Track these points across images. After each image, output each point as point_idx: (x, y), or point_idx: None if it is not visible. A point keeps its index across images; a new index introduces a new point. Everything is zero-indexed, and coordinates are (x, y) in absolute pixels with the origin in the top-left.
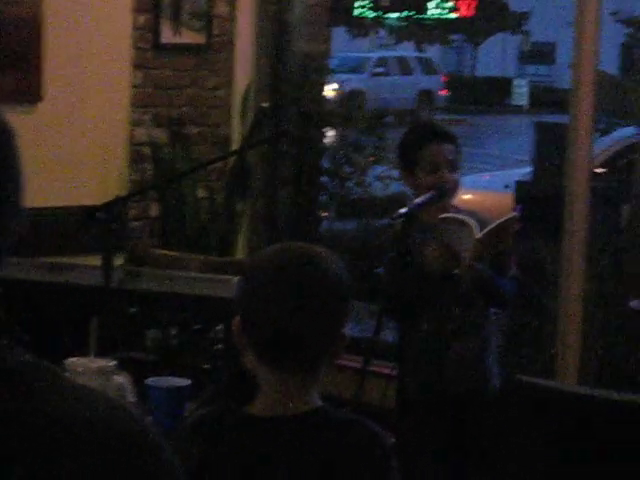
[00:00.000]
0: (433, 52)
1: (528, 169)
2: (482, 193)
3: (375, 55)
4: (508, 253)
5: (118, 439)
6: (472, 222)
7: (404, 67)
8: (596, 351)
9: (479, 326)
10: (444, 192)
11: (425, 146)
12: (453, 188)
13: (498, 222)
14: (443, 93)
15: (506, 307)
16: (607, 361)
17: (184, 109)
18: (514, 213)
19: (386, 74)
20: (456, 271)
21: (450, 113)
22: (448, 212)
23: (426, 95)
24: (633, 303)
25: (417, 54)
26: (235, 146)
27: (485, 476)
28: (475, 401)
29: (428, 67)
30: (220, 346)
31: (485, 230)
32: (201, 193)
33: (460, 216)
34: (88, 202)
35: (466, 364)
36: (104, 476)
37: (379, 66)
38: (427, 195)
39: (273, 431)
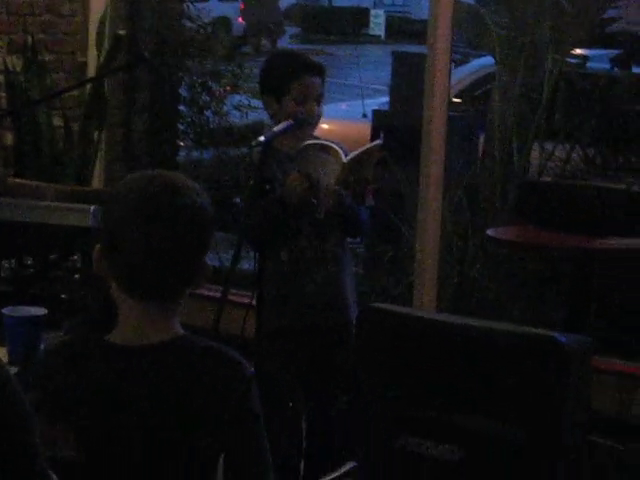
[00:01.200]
0: None
1: (386, 98)
2: (340, 122)
3: None
4: (366, 181)
5: None
6: (335, 146)
7: None
8: (453, 279)
9: (337, 256)
10: (302, 122)
11: (297, 77)
12: (316, 120)
13: (363, 148)
14: (240, 21)
15: (361, 235)
16: (464, 289)
17: (39, 36)
18: (379, 141)
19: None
20: (313, 200)
21: (306, 42)
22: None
23: (223, 22)
24: (489, 231)
25: None
26: (91, 74)
27: (344, 404)
28: (334, 331)
29: None
30: (77, 276)
31: (350, 155)
32: (57, 122)
33: (324, 141)
34: None
35: (324, 294)
36: None
37: None
38: (285, 124)
39: (133, 359)
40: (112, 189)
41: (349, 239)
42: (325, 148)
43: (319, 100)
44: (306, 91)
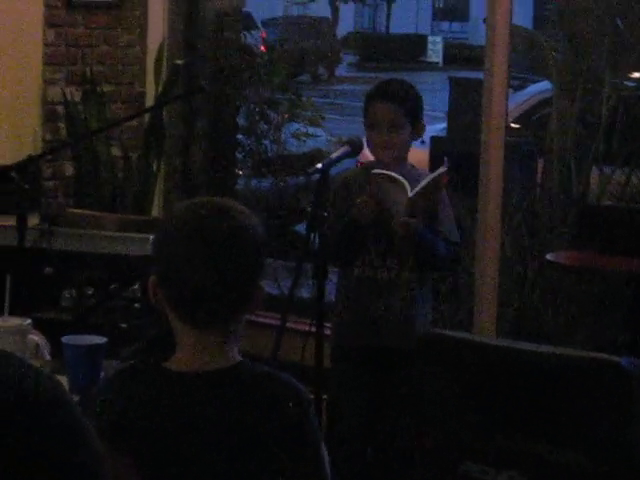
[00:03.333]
0: (347, 9)
1: (443, 125)
2: None
3: None
4: (436, 204)
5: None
6: (403, 180)
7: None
8: (513, 305)
9: (411, 281)
10: (358, 148)
11: (370, 103)
12: (391, 148)
13: (429, 178)
14: (263, 50)
15: (438, 267)
16: (524, 314)
17: (97, 67)
18: (444, 168)
19: None
20: (393, 226)
21: (364, 70)
22: (401, 168)
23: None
24: (549, 255)
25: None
26: (149, 104)
27: (405, 429)
28: (399, 357)
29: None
30: (137, 305)
31: (417, 187)
32: (115, 152)
33: (391, 173)
34: (1, 162)
35: (394, 317)
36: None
37: None
38: (341, 150)
39: (191, 386)
40: (165, 216)
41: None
42: (393, 180)
43: (393, 126)
44: (374, 117)
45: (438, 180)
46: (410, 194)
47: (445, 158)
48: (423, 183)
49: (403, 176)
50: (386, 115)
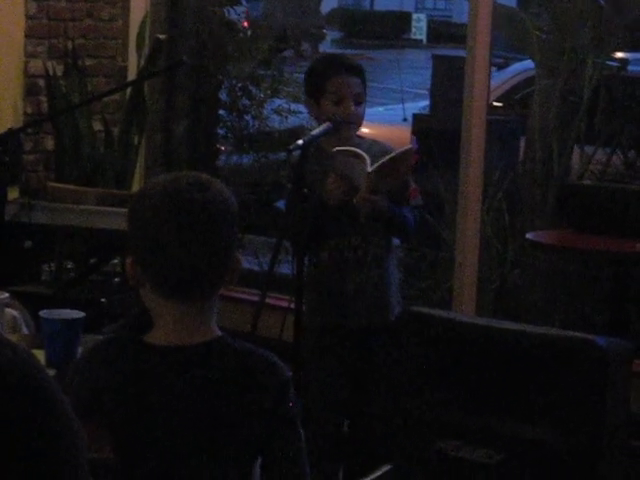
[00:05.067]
0: None
1: (426, 102)
2: (380, 126)
3: None
4: (407, 184)
5: None
6: (364, 155)
7: None
8: (492, 283)
9: (379, 257)
10: (340, 124)
11: (331, 77)
12: (356, 121)
13: (391, 155)
14: (245, 25)
15: (408, 236)
16: (503, 293)
17: (80, 41)
18: (409, 146)
19: None
20: (354, 201)
21: (348, 47)
22: (352, 143)
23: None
24: (529, 234)
25: None
26: (132, 79)
27: (381, 408)
28: (375, 334)
29: None
30: (117, 279)
31: (377, 163)
32: (97, 126)
33: (354, 149)
34: None
35: (366, 296)
36: None
37: None
38: (323, 127)
39: (171, 359)
40: (138, 191)
41: (395, 241)
42: (356, 155)
43: (358, 100)
44: (341, 90)
45: (404, 158)
46: (369, 169)
47: (414, 137)
48: (385, 158)
49: (366, 151)
50: (353, 88)
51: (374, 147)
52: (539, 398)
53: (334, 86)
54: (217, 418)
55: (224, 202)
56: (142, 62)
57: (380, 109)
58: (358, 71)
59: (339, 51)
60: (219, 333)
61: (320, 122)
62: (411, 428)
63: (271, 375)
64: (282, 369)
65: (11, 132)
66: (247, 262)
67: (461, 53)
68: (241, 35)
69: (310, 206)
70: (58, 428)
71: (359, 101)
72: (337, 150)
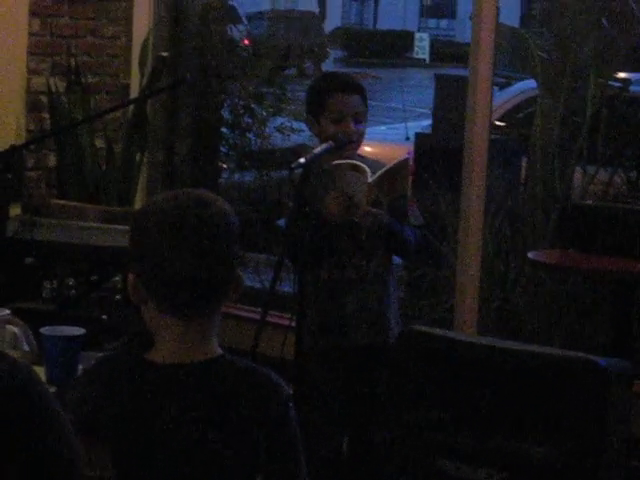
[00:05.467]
0: (335, 4)
1: (429, 122)
2: (383, 145)
3: None
4: (405, 198)
5: None
6: (364, 167)
7: None
8: (494, 303)
9: (380, 276)
10: (342, 143)
11: (331, 95)
12: (357, 139)
13: (389, 166)
14: (246, 43)
15: (409, 254)
16: (504, 313)
17: (82, 58)
18: (405, 156)
19: None
20: (355, 219)
21: (351, 65)
22: (356, 159)
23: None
24: (531, 254)
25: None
26: (134, 96)
27: (381, 427)
28: (375, 353)
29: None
30: (118, 297)
31: (377, 174)
32: (99, 143)
33: (353, 161)
34: None
35: (366, 315)
36: None
37: None
38: (324, 145)
39: (172, 378)
40: (140, 209)
41: (395, 259)
42: (356, 167)
43: (358, 119)
44: (340, 109)
45: (402, 167)
46: (370, 179)
47: (410, 149)
48: (384, 169)
49: None
50: (353, 107)
51: (376, 166)
52: (540, 417)
53: (333, 105)
54: (217, 436)
55: (226, 219)
56: (144, 80)
57: (383, 128)
58: (358, 89)
59: (342, 70)
60: (220, 351)
61: (321, 140)
62: (411, 447)
63: (272, 393)
64: (283, 387)
65: (14, 149)
66: (248, 280)
67: (464, 72)
68: (243, 54)
69: (310, 224)
70: (56, 443)
71: (359, 119)
72: (336, 164)
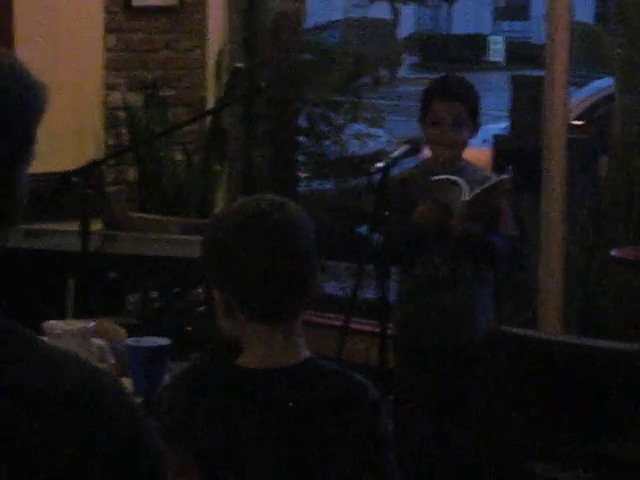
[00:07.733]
0: (409, 11)
1: (506, 124)
2: None
3: None
4: (498, 212)
5: (86, 405)
6: (461, 182)
7: None
8: (577, 302)
9: (469, 279)
10: (417, 146)
11: (432, 101)
12: (451, 145)
13: (487, 185)
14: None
15: (497, 265)
16: (588, 312)
17: (158, 72)
18: (505, 176)
19: None
20: (447, 227)
21: (425, 71)
22: (455, 167)
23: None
24: (614, 251)
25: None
26: (211, 107)
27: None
28: (460, 352)
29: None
30: (201, 308)
31: (473, 192)
32: (178, 156)
33: (452, 177)
34: (64, 168)
35: (453, 315)
36: (71, 441)
37: None
38: (402, 149)
39: (264, 382)
40: (214, 220)
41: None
42: (455, 183)
43: (457, 124)
44: (437, 114)
45: (498, 186)
46: (466, 198)
47: (509, 167)
48: (481, 188)
49: (459, 173)
50: (451, 113)
51: (477, 174)
52: (630, 417)
53: (433, 110)
54: (310, 440)
55: (303, 220)
56: (220, 91)
57: None
58: (460, 97)
59: (417, 76)
60: (308, 354)
61: (426, 143)
62: (500, 449)
63: (362, 395)
64: (372, 390)
65: (94, 164)
66: (329, 287)
67: (540, 74)
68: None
69: (402, 230)
70: (144, 454)
71: (457, 125)
72: (434, 180)
